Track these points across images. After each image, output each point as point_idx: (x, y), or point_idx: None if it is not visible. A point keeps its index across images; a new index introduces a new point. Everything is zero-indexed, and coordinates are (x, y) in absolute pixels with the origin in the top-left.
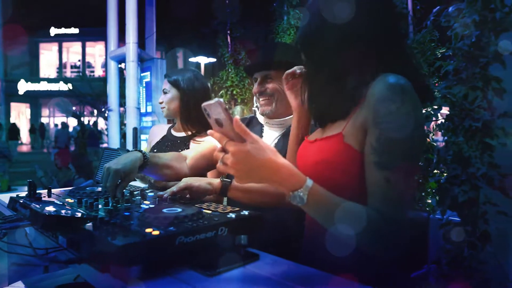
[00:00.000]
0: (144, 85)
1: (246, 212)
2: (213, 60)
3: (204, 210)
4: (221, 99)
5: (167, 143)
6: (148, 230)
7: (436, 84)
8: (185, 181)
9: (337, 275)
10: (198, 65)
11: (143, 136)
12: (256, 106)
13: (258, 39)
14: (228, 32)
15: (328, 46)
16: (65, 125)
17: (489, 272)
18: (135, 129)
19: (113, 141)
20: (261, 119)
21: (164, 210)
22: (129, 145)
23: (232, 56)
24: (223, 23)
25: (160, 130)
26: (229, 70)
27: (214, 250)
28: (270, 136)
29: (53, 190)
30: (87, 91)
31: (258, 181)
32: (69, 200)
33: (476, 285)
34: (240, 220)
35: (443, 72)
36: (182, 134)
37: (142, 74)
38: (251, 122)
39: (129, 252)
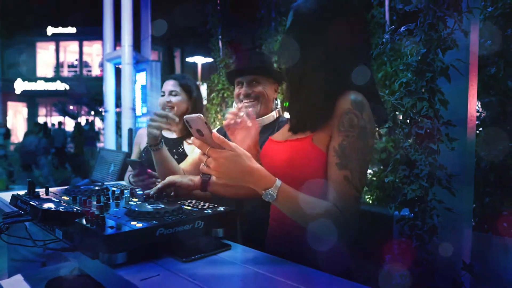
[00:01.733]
0: (137, 85)
1: (222, 208)
2: (210, 60)
3: (184, 207)
4: (201, 115)
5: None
6: (133, 223)
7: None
8: (169, 179)
9: (298, 262)
10: (195, 65)
11: None
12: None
13: (248, 44)
14: (220, 36)
15: (304, 71)
16: (61, 125)
17: (437, 262)
18: (130, 130)
19: (110, 142)
20: None
21: (149, 206)
22: (124, 146)
23: (223, 60)
24: (215, 28)
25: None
26: (220, 74)
27: (190, 240)
28: None
29: (50, 189)
30: (84, 91)
31: (235, 182)
32: (65, 198)
33: (423, 272)
34: (215, 215)
35: (398, 84)
36: (175, 136)
37: (137, 75)
38: None
39: (115, 241)
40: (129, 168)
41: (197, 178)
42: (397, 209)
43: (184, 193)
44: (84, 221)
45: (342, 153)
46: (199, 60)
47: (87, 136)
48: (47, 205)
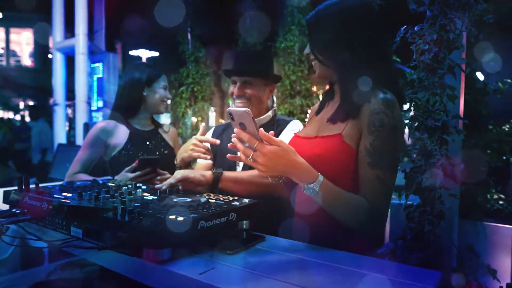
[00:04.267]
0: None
1: (246, 200)
2: (155, 54)
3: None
4: (249, 110)
5: (143, 139)
6: (171, 216)
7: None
8: (181, 173)
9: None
10: (139, 59)
11: None
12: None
13: (219, 38)
14: (189, 29)
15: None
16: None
17: (443, 243)
18: (86, 125)
19: (59, 137)
20: None
21: (176, 200)
22: (79, 142)
23: (193, 54)
24: (184, 20)
25: (115, 127)
26: (190, 67)
27: (227, 232)
28: None
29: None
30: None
31: (280, 174)
32: (67, 194)
33: (432, 253)
34: (243, 207)
35: (409, 80)
36: (150, 128)
37: (92, 66)
38: (228, 127)
39: (161, 236)
40: (75, 168)
41: (208, 174)
42: (407, 197)
43: (192, 188)
44: (122, 216)
45: (373, 153)
46: (144, 54)
47: (18, 132)
48: (67, 201)
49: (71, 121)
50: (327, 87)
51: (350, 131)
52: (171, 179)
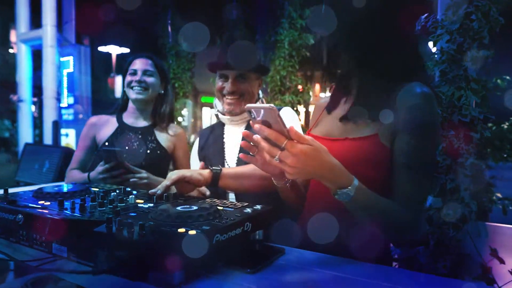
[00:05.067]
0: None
1: (259, 207)
2: (126, 50)
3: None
4: (274, 106)
5: (128, 135)
6: (181, 230)
7: None
8: (177, 173)
9: (352, 258)
10: (108, 55)
11: (63, 131)
12: (218, 111)
13: (206, 34)
14: (169, 21)
15: (365, 58)
16: None
17: (465, 248)
18: (55, 123)
19: (25, 136)
20: (224, 119)
21: (179, 208)
22: (48, 141)
23: (174, 48)
24: (164, 12)
25: (105, 121)
26: (170, 62)
27: (243, 246)
28: (234, 133)
29: None
30: None
31: (310, 177)
32: (45, 202)
33: (454, 259)
34: (258, 214)
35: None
36: (143, 124)
37: (62, 59)
38: (214, 129)
39: (171, 255)
40: (74, 164)
41: (206, 172)
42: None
43: (189, 190)
44: (119, 231)
45: (411, 153)
46: (114, 50)
47: None
48: (46, 211)
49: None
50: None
51: (385, 130)
52: (166, 181)
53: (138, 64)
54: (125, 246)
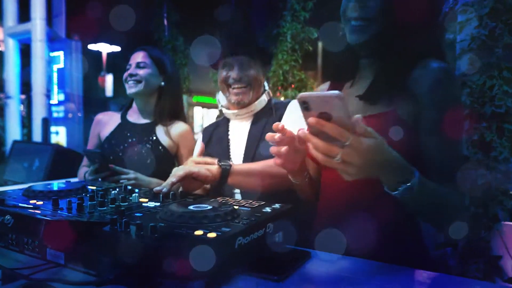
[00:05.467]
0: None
1: (278, 205)
2: (117, 49)
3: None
4: (342, 93)
5: (127, 132)
6: (197, 232)
7: None
8: (183, 169)
9: (378, 260)
10: (99, 54)
11: (53, 128)
12: (222, 106)
13: (199, 25)
14: (165, 15)
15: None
16: None
17: (494, 249)
18: (45, 120)
19: (13, 134)
20: (229, 114)
21: (192, 208)
22: (37, 138)
23: (170, 42)
24: (160, 6)
25: (110, 119)
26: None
27: (265, 250)
28: (240, 128)
29: None
30: None
31: (372, 176)
32: (37, 202)
33: (487, 262)
34: (279, 213)
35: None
36: (145, 120)
37: (52, 55)
38: (219, 125)
39: (189, 261)
40: (84, 162)
41: (214, 168)
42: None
43: (196, 187)
44: (126, 234)
45: (439, 130)
46: (104, 48)
47: None
48: (38, 211)
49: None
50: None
51: (405, 105)
52: (172, 178)
53: (133, 58)
54: (133, 251)
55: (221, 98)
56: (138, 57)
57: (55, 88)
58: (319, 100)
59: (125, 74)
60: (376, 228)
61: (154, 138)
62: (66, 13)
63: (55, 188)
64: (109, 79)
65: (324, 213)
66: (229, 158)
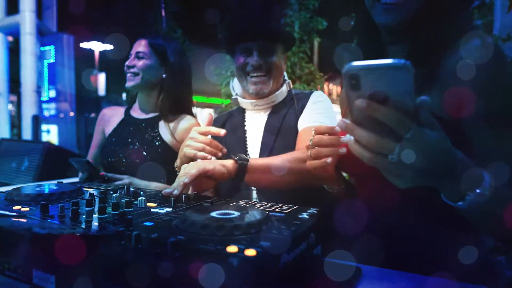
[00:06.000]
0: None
1: (313, 210)
2: (109, 47)
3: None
4: (409, 62)
5: (129, 129)
6: (231, 249)
7: None
8: (197, 166)
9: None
10: (91, 52)
11: (44, 127)
12: (236, 94)
13: (199, 16)
14: (163, 5)
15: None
16: None
17: None
18: (35, 118)
19: (1, 132)
20: (245, 103)
21: (214, 214)
22: (27, 136)
23: (169, 34)
24: None
25: (114, 114)
26: None
27: (309, 268)
28: (257, 119)
29: None
30: None
31: (431, 182)
32: (23, 208)
33: None
34: (319, 221)
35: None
36: (148, 115)
37: (42, 49)
38: (232, 115)
39: (225, 285)
40: (93, 144)
41: (230, 163)
42: None
43: (208, 187)
44: (139, 252)
45: (496, 124)
46: (96, 47)
47: None
48: (24, 221)
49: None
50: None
51: (446, 96)
52: (184, 177)
53: (134, 47)
54: (148, 274)
55: (236, 86)
56: (139, 46)
57: (46, 84)
58: (375, 73)
59: (125, 65)
60: (431, 241)
61: (156, 134)
62: (57, 6)
63: (45, 191)
64: (101, 78)
65: (365, 221)
66: (245, 149)
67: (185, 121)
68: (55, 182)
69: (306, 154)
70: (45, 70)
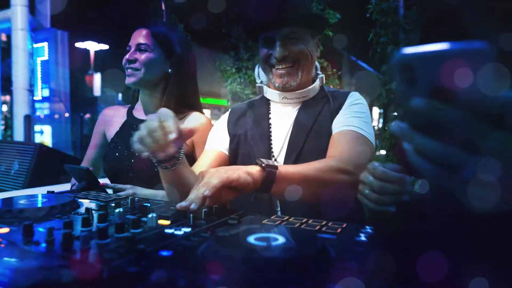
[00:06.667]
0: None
1: (369, 229)
2: (105, 47)
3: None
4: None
5: (132, 132)
6: None
7: None
8: (219, 176)
9: None
10: (86, 52)
11: (37, 127)
12: (261, 82)
13: (202, 10)
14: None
15: None
16: None
17: None
18: (27, 117)
19: None
20: (272, 94)
21: (253, 241)
22: (19, 137)
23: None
24: None
25: (116, 114)
26: None
27: None
28: (284, 113)
29: None
30: None
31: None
32: (2, 230)
33: None
34: (387, 248)
35: None
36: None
37: (35, 46)
38: (252, 105)
39: None
40: (92, 143)
41: (255, 171)
42: None
43: (229, 198)
44: None
45: None
46: (92, 47)
47: None
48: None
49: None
50: None
51: None
52: (204, 189)
53: (133, 37)
54: None
55: (261, 72)
56: (139, 37)
57: (39, 82)
58: (438, 61)
59: (123, 60)
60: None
61: None
62: (50, 1)
63: (31, 205)
64: (97, 78)
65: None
66: (269, 146)
67: (194, 119)
68: (45, 191)
69: (341, 163)
70: (38, 68)
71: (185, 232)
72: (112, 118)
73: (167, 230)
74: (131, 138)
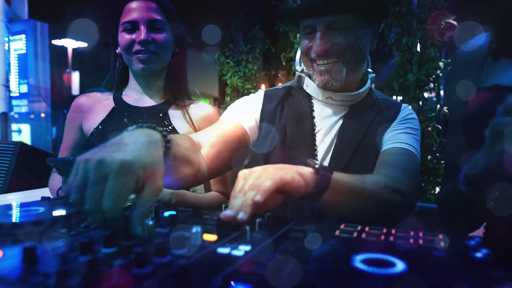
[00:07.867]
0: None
1: (443, 243)
2: (84, 44)
3: None
4: None
5: (127, 121)
6: None
7: None
8: (271, 178)
9: None
10: (64, 50)
11: (14, 126)
12: (302, 70)
13: (199, 2)
14: None
15: None
16: None
17: None
18: (4, 115)
19: None
20: (314, 90)
21: (364, 266)
22: None
23: None
24: None
25: (96, 102)
26: None
27: None
28: (329, 118)
29: None
30: None
31: None
32: None
33: None
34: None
35: None
36: (151, 102)
37: (11, 38)
38: (289, 95)
39: None
40: (52, 173)
41: (308, 172)
42: None
43: (274, 204)
44: None
45: None
46: (70, 44)
47: None
48: None
49: None
50: None
51: None
52: (253, 193)
53: (136, 12)
54: None
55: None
56: (149, 11)
57: (16, 77)
58: None
59: (128, 39)
60: None
61: (168, 125)
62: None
63: (26, 218)
64: (75, 77)
65: None
66: (314, 152)
67: (201, 108)
68: (28, 194)
69: (395, 182)
70: (15, 62)
71: (246, 252)
72: (91, 107)
73: (220, 250)
74: (123, 128)
